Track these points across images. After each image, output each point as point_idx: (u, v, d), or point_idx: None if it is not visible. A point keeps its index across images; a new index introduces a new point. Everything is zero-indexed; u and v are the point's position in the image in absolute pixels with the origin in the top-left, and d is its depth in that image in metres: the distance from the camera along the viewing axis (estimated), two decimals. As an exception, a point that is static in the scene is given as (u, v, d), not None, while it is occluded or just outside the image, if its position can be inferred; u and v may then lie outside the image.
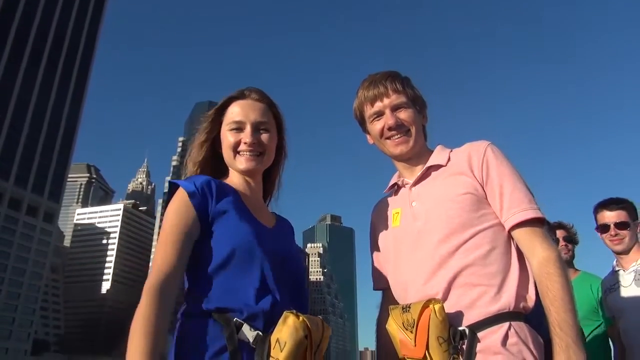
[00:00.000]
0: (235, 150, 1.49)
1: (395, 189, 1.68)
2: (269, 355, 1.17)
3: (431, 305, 1.29)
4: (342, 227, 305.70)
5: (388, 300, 1.58)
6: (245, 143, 1.47)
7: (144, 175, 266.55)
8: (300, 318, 1.18)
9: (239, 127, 1.49)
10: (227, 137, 1.49)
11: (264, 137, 1.50)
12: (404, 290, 1.49)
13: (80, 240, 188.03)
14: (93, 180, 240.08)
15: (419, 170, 1.58)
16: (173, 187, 1.40)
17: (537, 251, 1.35)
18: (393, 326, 1.38)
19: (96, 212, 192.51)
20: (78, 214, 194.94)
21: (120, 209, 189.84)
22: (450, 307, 1.34)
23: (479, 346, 1.30)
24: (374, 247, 1.67)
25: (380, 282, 1.64)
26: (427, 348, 1.27)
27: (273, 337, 1.18)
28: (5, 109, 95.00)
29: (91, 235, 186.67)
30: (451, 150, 1.59)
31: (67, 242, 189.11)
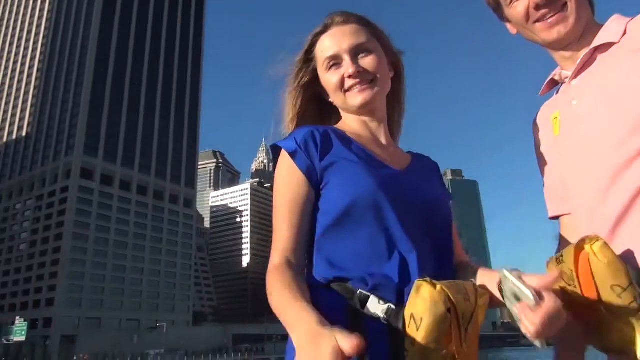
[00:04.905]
0: (343, 89, 1.20)
1: (557, 87, 1.24)
2: (404, 333, 0.87)
3: (587, 247, 0.89)
4: (464, 181, 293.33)
5: (566, 229, 1.20)
6: (349, 76, 1.18)
7: (264, 154, 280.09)
8: (438, 287, 0.86)
9: (336, 62, 1.20)
10: (329, 80, 1.21)
11: (369, 60, 1.19)
12: (578, 216, 1.12)
13: (218, 221, 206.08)
14: (220, 164, 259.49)
15: (582, 55, 1.11)
16: (276, 151, 1.17)
17: None
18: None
19: (227, 194, 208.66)
20: (212, 197, 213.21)
21: (247, 189, 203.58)
22: (629, 239, 0.95)
23: None
24: (541, 167, 1.27)
25: (553, 208, 1.24)
26: (603, 305, 0.88)
27: (407, 312, 0.88)
28: (137, 112, 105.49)
29: (226, 215, 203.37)
30: (630, 20, 1.08)
31: (206, 223, 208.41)
